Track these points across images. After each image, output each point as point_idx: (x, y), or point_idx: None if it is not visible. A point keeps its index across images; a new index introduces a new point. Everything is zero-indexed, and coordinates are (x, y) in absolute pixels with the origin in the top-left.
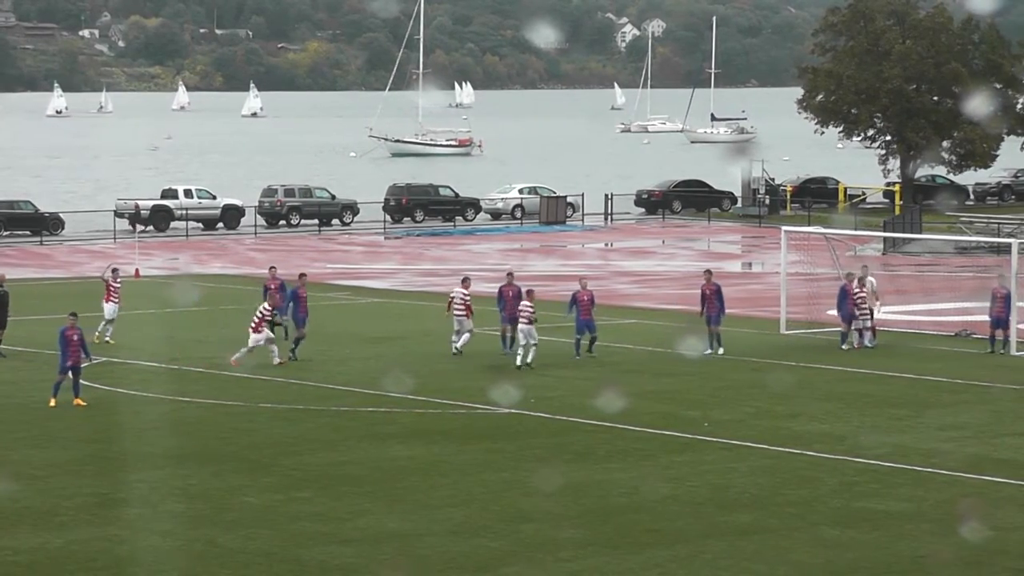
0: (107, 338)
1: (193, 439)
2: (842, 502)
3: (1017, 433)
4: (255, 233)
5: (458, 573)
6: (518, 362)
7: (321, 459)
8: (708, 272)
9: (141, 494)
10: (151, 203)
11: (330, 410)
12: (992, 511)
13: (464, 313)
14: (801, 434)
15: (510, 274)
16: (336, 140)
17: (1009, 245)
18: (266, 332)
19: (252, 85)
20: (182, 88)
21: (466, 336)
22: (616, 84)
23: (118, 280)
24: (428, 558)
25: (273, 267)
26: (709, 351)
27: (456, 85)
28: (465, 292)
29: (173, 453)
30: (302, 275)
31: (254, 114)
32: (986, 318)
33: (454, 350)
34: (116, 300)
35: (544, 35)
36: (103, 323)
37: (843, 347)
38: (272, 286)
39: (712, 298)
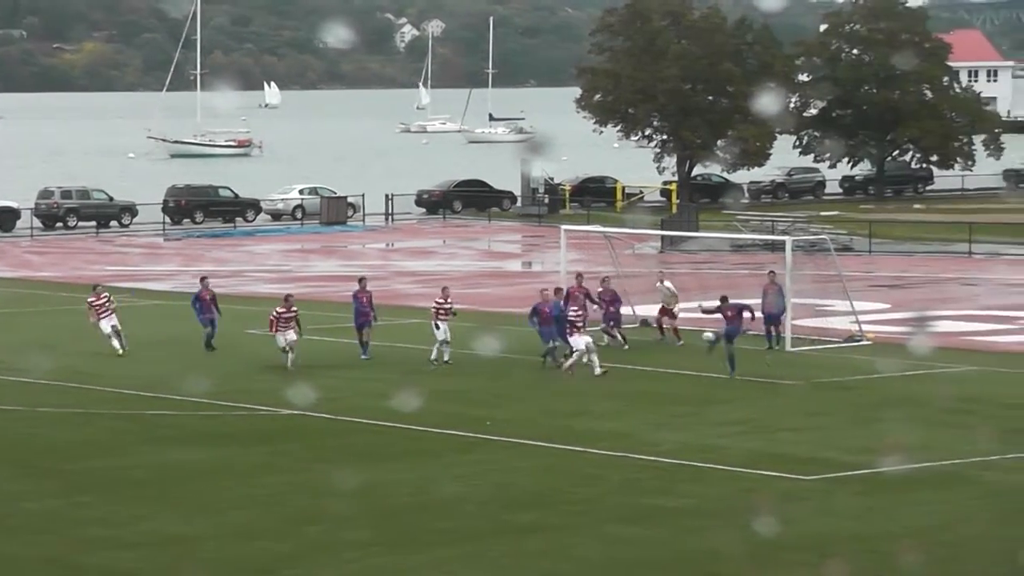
0: None
1: None
2: (626, 499)
3: (793, 428)
4: (31, 235)
5: None
6: (435, 357)
7: (104, 464)
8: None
9: None
10: None
11: (112, 414)
12: (772, 505)
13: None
14: (585, 432)
15: (579, 275)
16: (114, 142)
17: (783, 243)
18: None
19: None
20: None
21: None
22: (420, 86)
23: None
24: (211, 561)
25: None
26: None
27: (265, 85)
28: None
29: None
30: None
31: None
32: (760, 314)
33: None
34: None
35: (325, 35)
36: None
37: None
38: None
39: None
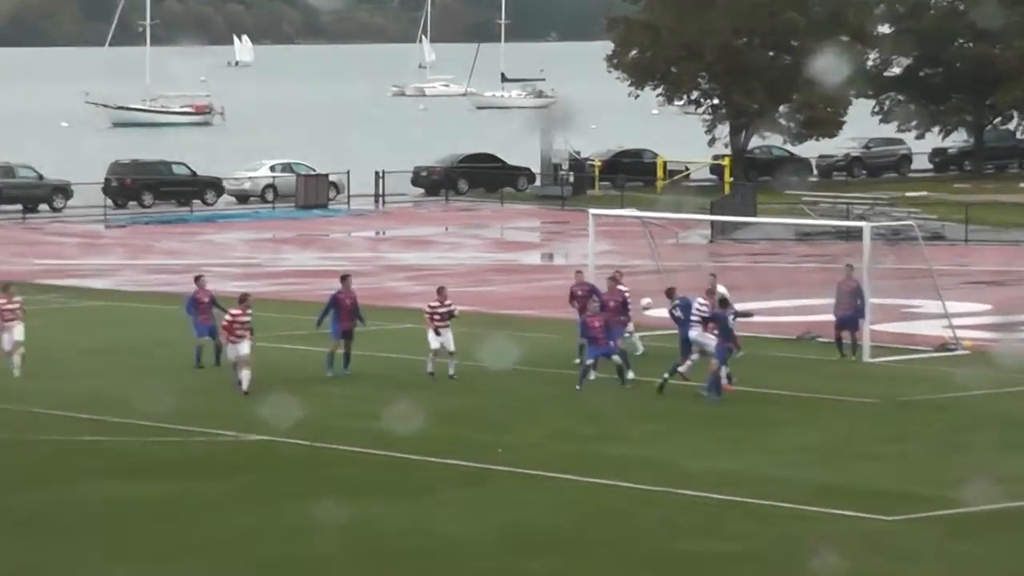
0: None
1: None
2: (662, 542)
3: (871, 456)
4: None
5: None
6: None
7: (29, 500)
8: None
9: None
10: None
11: (40, 440)
12: (843, 550)
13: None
14: (613, 460)
15: (617, 273)
16: (44, 107)
17: (860, 230)
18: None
19: None
20: None
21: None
22: (423, 39)
23: None
24: None
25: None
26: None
27: (235, 39)
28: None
29: None
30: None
31: None
32: (831, 317)
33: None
34: None
35: None
36: None
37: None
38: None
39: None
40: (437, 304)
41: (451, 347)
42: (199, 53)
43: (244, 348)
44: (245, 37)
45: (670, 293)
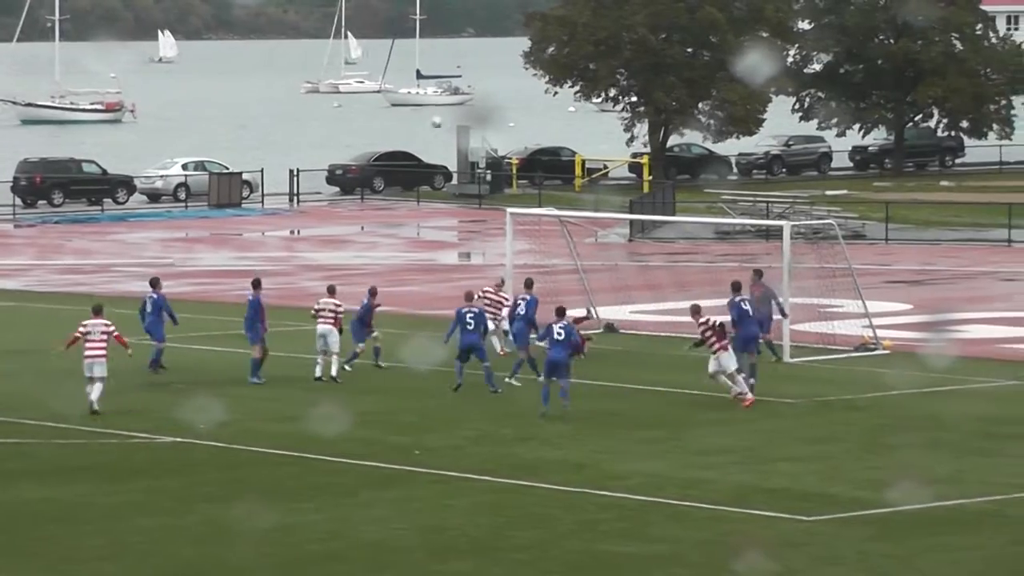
0: None
1: None
2: (582, 544)
3: (792, 457)
4: None
5: None
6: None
7: None
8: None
9: None
10: None
11: None
12: (765, 551)
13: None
14: (532, 462)
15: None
16: None
17: (780, 228)
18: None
19: None
20: None
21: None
22: (348, 34)
23: None
24: None
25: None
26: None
27: (159, 34)
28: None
29: None
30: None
31: None
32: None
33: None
34: None
35: None
36: None
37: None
38: None
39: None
40: (322, 306)
41: (335, 348)
42: (117, 49)
43: (98, 369)
44: (167, 32)
45: (736, 287)
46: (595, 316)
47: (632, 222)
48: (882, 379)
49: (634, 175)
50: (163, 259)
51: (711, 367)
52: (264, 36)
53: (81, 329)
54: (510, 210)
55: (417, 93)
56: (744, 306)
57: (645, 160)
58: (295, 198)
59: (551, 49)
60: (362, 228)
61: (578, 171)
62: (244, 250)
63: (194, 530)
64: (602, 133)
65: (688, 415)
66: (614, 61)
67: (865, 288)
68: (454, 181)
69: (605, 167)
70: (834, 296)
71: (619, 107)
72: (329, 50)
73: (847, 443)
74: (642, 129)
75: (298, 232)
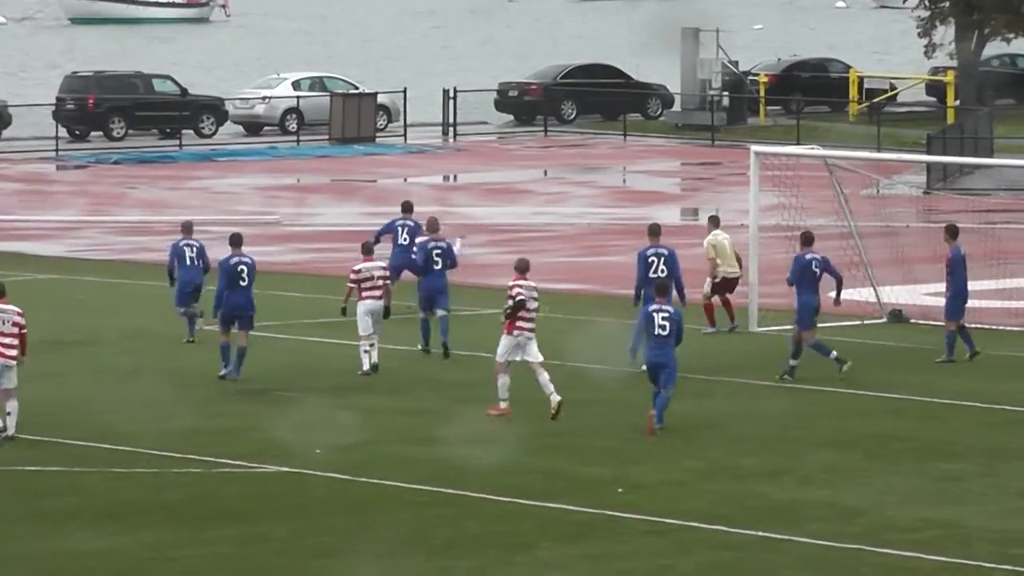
0: None
1: None
2: None
3: None
4: None
5: None
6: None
7: None
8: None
9: None
10: None
11: None
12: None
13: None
14: (786, 505)
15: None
16: None
17: None
18: None
19: None
20: None
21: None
22: None
23: None
24: None
25: None
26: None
27: None
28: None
29: None
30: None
31: None
32: None
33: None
34: None
35: None
36: None
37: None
38: None
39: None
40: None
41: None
42: None
43: (5, 381)
44: None
45: (807, 239)
46: (878, 300)
47: (930, 167)
48: None
49: (934, 99)
50: (265, 215)
51: None
52: None
53: None
54: (755, 148)
55: None
56: (815, 268)
57: (950, 78)
58: (451, 130)
59: None
60: (545, 173)
61: (853, 93)
62: (379, 203)
63: None
64: (886, 38)
65: (1008, 440)
66: None
67: None
68: (676, 107)
69: (892, 88)
70: None
71: (912, 2)
72: None
73: None
74: (946, 33)
75: (455, 178)
